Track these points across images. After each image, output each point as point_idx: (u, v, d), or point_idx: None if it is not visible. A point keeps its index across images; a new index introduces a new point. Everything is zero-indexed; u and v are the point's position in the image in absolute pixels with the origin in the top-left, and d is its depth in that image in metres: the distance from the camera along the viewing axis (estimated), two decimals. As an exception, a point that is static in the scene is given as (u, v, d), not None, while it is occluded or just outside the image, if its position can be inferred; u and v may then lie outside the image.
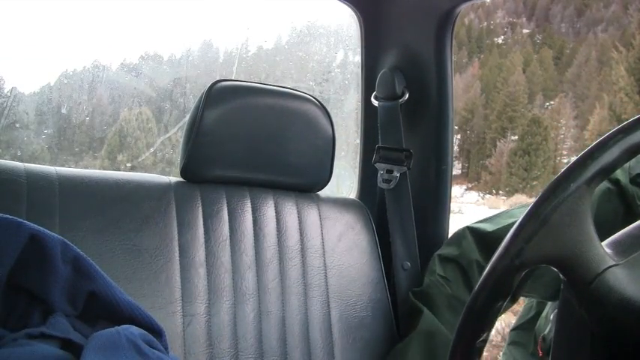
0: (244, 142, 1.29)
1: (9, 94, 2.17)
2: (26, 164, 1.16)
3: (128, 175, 1.25)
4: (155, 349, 0.64)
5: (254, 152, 1.30)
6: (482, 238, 1.30)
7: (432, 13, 1.43)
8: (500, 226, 1.28)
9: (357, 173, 1.64)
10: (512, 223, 0.60)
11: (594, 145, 0.58)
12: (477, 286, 0.61)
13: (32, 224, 0.65)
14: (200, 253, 1.22)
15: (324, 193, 1.44)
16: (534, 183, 23.80)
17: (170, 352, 0.70)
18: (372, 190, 1.55)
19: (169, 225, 1.20)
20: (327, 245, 1.36)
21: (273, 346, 1.24)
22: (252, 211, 1.31)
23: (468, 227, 1.34)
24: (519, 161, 24.97)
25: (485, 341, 0.62)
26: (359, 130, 1.65)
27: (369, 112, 1.58)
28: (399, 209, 1.45)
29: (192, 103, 1.29)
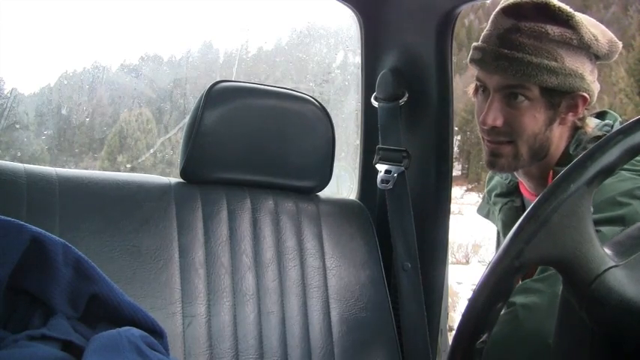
0: (244, 143, 1.29)
1: (9, 95, 2.17)
2: (26, 165, 1.16)
3: (128, 176, 1.25)
4: (156, 351, 0.65)
5: (254, 153, 1.30)
6: None
7: (431, 13, 1.43)
8: None
9: (357, 174, 1.64)
10: None
11: (594, 146, 0.59)
12: (476, 287, 0.61)
13: (33, 227, 0.65)
14: (200, 254, 1.22)
15: (324, 194, 1.43)
16: (534, 184, 23.67)
17: (170, 353, 0.71)
18: (372, 191, 1.55)
19: (169, 226, 1.20)
20: (326, 246, 1.36)
21: (274, 346, 1.24)
22: (252, 212, 1.31)
23: None
24: (519, 162, 24.88)
25: (485, 342, 0.62)
26: (359, 131, 1.65)
27: (369, 113, 1.58)
28: (399, 210, 1.45)
29: (192, 104, 1.29)
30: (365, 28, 1.58)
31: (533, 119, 1.16)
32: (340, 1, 1.54)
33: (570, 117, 1.19)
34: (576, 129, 1.21)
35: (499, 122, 1.17)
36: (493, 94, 1.18)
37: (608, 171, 0.58)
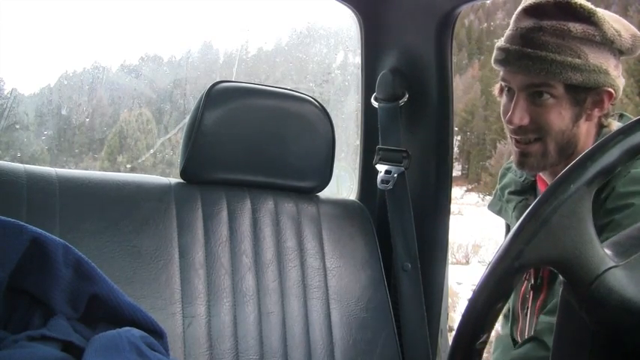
0: (244, 143, 1.29)
1: (9, 95, 2.17)
2: (26, 165, 1.16)
3: (128, 176, 1.25)
4: (156, 351, 0.65)
5: (254, 153, 1.30)
6: None
7: (431, 14, 1.43)
8: None
9: (357, 174, 1.64)
10: None
11: (594, 147, 0.58)
12: (476, 288, 0.61)
13: (34, 228, 0.65)
14: (200, 255, 1.22)
15: (323, 194, 1.43)
16: (534, 184, 23.63)
17: (170, 354, 0.71)
18: (372, 191, 1.55)
19: (169, 226, 1.20)
20: (326, 246, 1.36)
21: (274, 347, 1.24)
22: (252, 212, 1.31)
23: None
24: (519, 162, 24.81)
25: (485, 343, 0.61)
26: (359, 132, 1.65)
27: (369, 114, 1.58)
28: (399, 210, 1.45)
29: (192, 104, 1.29)
30: (365, 29, 1.58)
31: (559, 116, 1.17)
32: (340, 1, 1.54)
33: (596, 112, 1.19)
34: (602, 126, 1.22)
35: (525, 121, 1.17)
36: (518, 93, 1.18)
37: (608, 171, 0.58)
